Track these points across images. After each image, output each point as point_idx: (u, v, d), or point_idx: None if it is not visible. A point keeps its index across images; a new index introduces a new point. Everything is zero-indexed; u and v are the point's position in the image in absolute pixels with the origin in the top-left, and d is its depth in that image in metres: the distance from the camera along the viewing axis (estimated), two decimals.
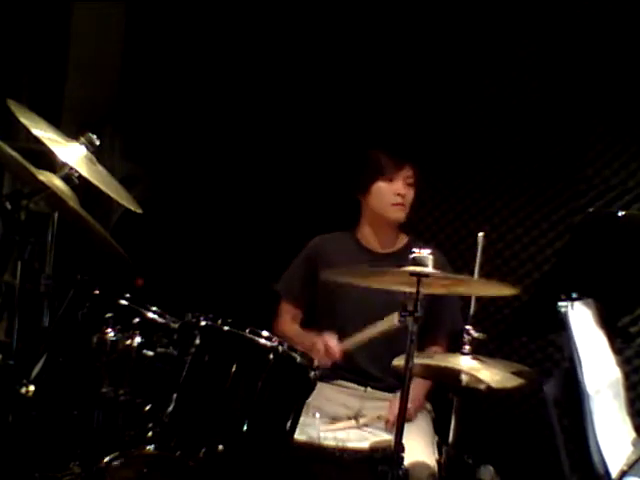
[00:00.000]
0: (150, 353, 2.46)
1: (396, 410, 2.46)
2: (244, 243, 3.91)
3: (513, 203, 3.46)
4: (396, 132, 3.63)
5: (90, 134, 2.62)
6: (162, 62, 4.14)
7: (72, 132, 2.67)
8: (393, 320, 2.47)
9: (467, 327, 2.51)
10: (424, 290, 2.33)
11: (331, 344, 2.82)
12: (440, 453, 2.72)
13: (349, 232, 3.21)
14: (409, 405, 2.64)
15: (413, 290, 2.32)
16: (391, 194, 3.04)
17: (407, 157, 3.09)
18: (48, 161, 2.56)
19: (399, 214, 3.08)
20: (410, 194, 3.08)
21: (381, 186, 3.05)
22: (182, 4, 4.14)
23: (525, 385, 2.44)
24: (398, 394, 2.41)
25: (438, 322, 3.01)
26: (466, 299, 2.77)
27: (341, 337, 2.94)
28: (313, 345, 2.84)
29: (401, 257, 2.86)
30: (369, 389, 3.02)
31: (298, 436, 2.47)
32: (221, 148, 4.04)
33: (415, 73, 3.69)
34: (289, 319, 3.17)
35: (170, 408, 2.34)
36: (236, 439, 2.31)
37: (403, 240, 3.16)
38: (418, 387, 2.93)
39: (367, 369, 3.02)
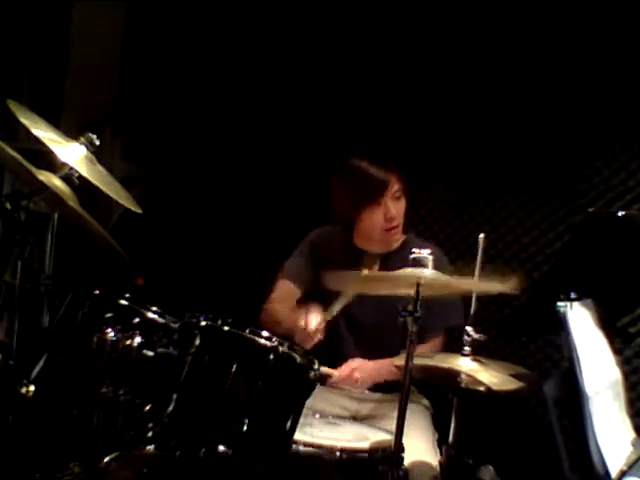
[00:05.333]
0: (150, 353, 2.45)
1: (345, 369, 2.78)
2: (244, 243, 3.92)
3: (513, 203, 3.45)
4: (379, 140, 3.57)
5: (90, 134, 2.62)
6: (162, 63, 4.15)
7: (72, 132, 2.67)
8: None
9: (467, 328, 2.50)
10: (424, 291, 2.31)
11: (309, 324, 2.67)
12: (440, 452, 2.71)
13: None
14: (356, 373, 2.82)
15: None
16: (382, 219, 2.89)
17: (391, 170, 2.90)
18: (48, 161, 2.56)
19: (394, 238, 2.94)
20: (400, 207, 2.92)
21: (371, 213, 2.89)
22: (182, 5, 4.14)
23: (525, 388, 2.43)
24: (395, 395, 2.41)
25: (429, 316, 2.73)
26: (466, 299, 2.77)
27: (335, 341, 2.91)
28: (295, 325, 2.71)
29: (398, 257, 2.85)
30: (367, 391, 2.97)
31: (300, 436, 2.47)
32: (220, 148, 4.04)
33: (415, 74, 3.69)
34: (282, 296, 3.00)
35: (170, 408, 2.33)
36: (236, 439, 2.31)
37: (400, 238, 2.99)
38: (382, 366, 2.82)
39: None
